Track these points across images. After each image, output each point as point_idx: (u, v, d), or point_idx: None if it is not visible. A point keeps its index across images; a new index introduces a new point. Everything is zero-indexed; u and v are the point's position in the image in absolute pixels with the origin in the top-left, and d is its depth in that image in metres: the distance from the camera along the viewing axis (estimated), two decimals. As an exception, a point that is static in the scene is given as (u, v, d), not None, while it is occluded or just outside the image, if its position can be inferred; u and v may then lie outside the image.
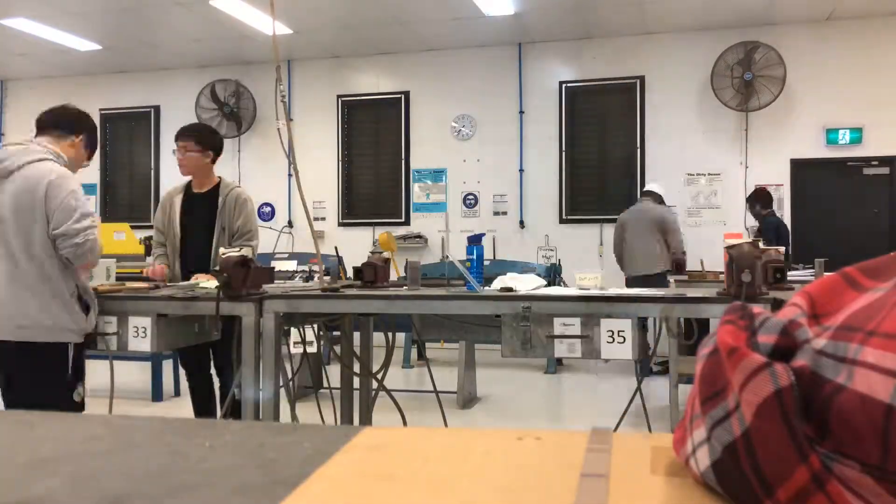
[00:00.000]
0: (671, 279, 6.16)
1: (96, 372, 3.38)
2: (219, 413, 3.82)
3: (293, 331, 3.52)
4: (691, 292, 3.14)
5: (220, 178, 4.08)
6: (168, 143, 10.17)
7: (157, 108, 10.26)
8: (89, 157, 3.28)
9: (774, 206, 7.80)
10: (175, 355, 6.18)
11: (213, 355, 3.97)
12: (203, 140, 3.97)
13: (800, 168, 8.38)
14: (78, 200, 2.90)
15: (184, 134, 3.99)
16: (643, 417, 3.39)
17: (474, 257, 3.39)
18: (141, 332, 3.05)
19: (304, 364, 3.78)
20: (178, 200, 4.04)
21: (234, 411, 3.43)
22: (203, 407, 4.05)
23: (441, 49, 9.23)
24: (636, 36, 8.68)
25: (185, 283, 3.74)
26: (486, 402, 5.98)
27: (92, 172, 10.40)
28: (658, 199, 7.40)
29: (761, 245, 3.01)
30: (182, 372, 4.27)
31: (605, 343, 2.75)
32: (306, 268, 4.45)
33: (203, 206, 3.97)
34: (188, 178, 4.07)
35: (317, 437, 0.80)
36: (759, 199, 7.63)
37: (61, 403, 2.85)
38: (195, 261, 3.92)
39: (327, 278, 3.62)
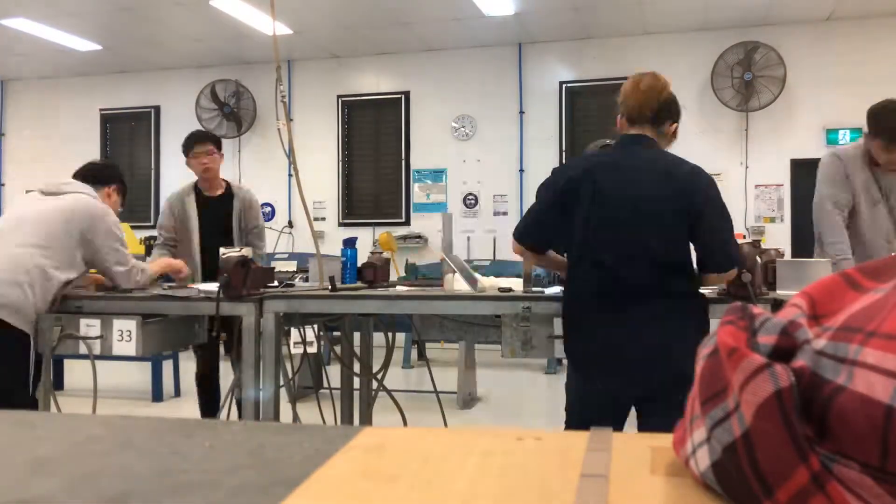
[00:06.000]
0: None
1: (92, 372, 3.37)
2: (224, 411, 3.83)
3: (293, 331, 3.52)
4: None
5: (224, 179, 4.20)
6: (168, 144, 10.17)
7: (157, 108, 10.26)
8: (122, 205, 3.60)
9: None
10: (176, 355, 6.18)
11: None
12: (219, 144, 4.15)
13: (800, 168, 8.37)
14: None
15: (205, 139, 4.10)
16: (643, 417, 3.38)
17: (346, 259, 3.50)
18: (126, 336, 2.99)
19: (304, 364, 3.78)
20: (191, 203, 4.11)
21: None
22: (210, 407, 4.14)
23: (441, 49, 9.23)
24: (636, 36, 8.68)
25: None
26: (486, 402, 5.98)
27: (92, 172, 10.40)
28: None
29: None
30: (183, 373, 4.30)
31: (605, 343, 2.74)
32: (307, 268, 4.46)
33: (219, 210, 4.10)
34: (193, 180, 4.13)
35: (317, 437, 0.80)
36: None
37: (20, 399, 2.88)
38: (215, 262, 3.99)
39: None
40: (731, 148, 8.54)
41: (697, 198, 2.47)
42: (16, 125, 10.78)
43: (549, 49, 9.03)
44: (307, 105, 9.66)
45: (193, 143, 4.07)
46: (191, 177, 4.21)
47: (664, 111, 2.62)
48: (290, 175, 9.49)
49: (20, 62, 9.82)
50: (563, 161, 8.95)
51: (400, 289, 3.40)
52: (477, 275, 3.18)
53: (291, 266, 4.71)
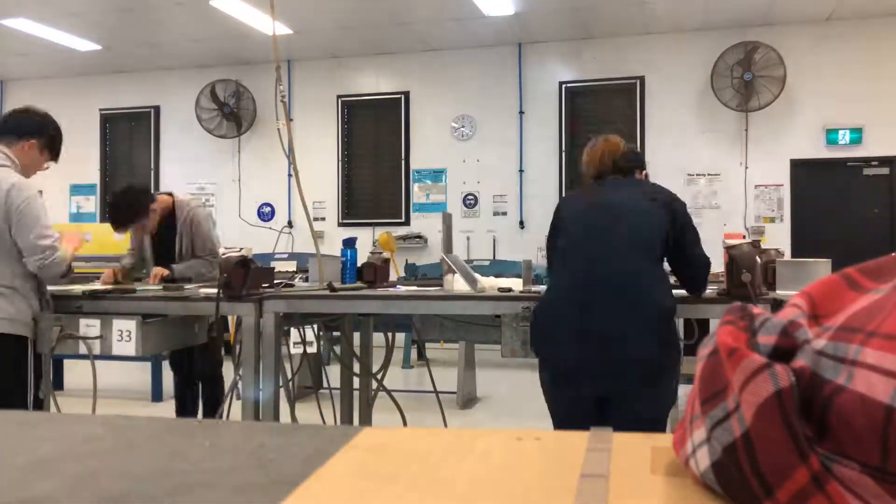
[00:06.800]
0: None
1: (92, 372, 3.36)
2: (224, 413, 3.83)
3: (293, 331, 3.52)
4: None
5: (171, 197, 4.15)
6: (168, 144, 10.17)
7: (157, 108, 10.26)
8: (52, 158, 3.28)
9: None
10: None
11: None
12: (145, 211, 3.95)
13: (800, 168, 8.37)
14: (35, 210, 2.89)
15: (128, 222, 3.96)
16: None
17: (346, 259, 3.50)
18: (125, 336, 2.99)
19: (304, 364, 3.78)
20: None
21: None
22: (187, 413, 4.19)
23: (441, 49, 9.23)
24: (636, 36, 8.68)
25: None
26: (486, 402, 5.98)
27: (92, 172, 10.40)
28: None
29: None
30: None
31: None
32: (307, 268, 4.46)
33: (167, 231, 4.10)
34: None
35: (317, 437, 0.80)
36: None
37: (20, 399, 2.86)
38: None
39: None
40: (731, 148, 8.54)
41: None
42: (16, 125, 10.76)
43: (549, 49, 9.02)
44: (307, 105, 9.66)
45: (124, 229, 4.02)
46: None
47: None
48: (290, 175, 9.48)
49: (20, 62, 9.82)
50: (563, 160, 8.95)
51: (400, 289, 3.39)
52: (477, 275, 3.18)
53: (291, 266, 4.72)
